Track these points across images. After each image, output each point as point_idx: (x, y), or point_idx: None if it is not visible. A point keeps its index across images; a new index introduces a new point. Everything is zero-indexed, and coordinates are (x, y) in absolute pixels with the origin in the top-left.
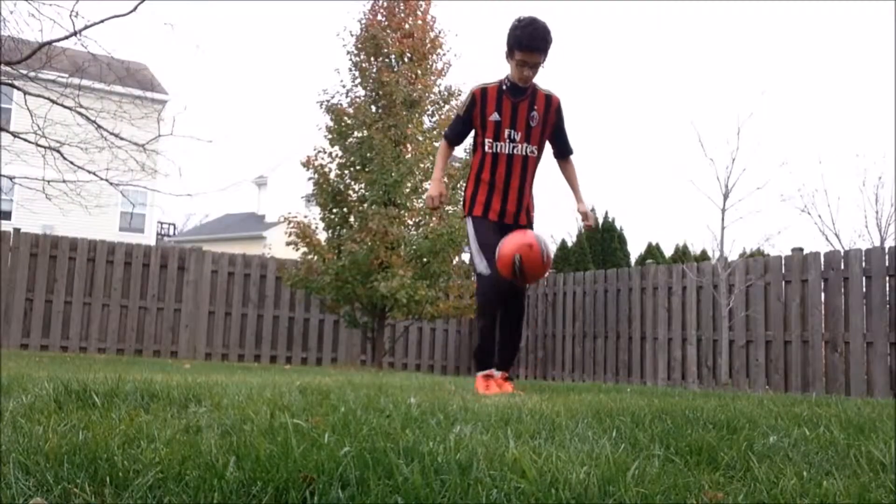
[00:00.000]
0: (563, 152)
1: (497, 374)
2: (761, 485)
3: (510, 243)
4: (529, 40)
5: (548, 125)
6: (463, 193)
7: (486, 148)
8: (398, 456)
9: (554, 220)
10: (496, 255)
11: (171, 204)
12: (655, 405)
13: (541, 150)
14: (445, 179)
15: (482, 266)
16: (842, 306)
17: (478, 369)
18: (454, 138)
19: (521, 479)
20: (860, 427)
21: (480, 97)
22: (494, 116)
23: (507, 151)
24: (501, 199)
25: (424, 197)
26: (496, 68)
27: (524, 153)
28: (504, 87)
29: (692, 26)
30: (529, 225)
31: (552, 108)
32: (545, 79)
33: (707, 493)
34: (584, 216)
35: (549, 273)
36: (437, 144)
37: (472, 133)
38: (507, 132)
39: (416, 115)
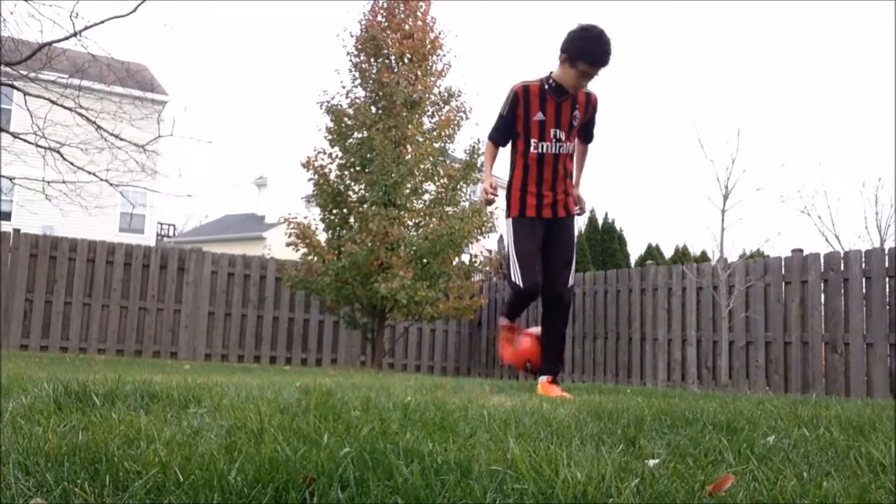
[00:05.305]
0: (586, 139)
1: (543, 377)
2: (761, 485)
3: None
4: (601, 56)
5: (584, 121)
6: (507, 196)
7: (532, 149)
8: (398, 456)
9: None
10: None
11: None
12: (655, 406)
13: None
14: (446, 179)
15: (516, 276)
16: (842, 307)
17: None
18: (500, 139)
19: (521, 480)
20: (860, 428)
21: (523, 95)
22: (539, 116)
23: (553, 151)
24: (552, 195)
25: (479, 192)
26: (496, 68)
27: (568, 152)
28: (547, 87)
29: (693, 26)
30: (574, 209)
31: (591, 105)
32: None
33: (707, 489)
34: (577, 200)
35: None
36: (437, 145)
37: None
38: (552, 132)
39: (417, 116)
